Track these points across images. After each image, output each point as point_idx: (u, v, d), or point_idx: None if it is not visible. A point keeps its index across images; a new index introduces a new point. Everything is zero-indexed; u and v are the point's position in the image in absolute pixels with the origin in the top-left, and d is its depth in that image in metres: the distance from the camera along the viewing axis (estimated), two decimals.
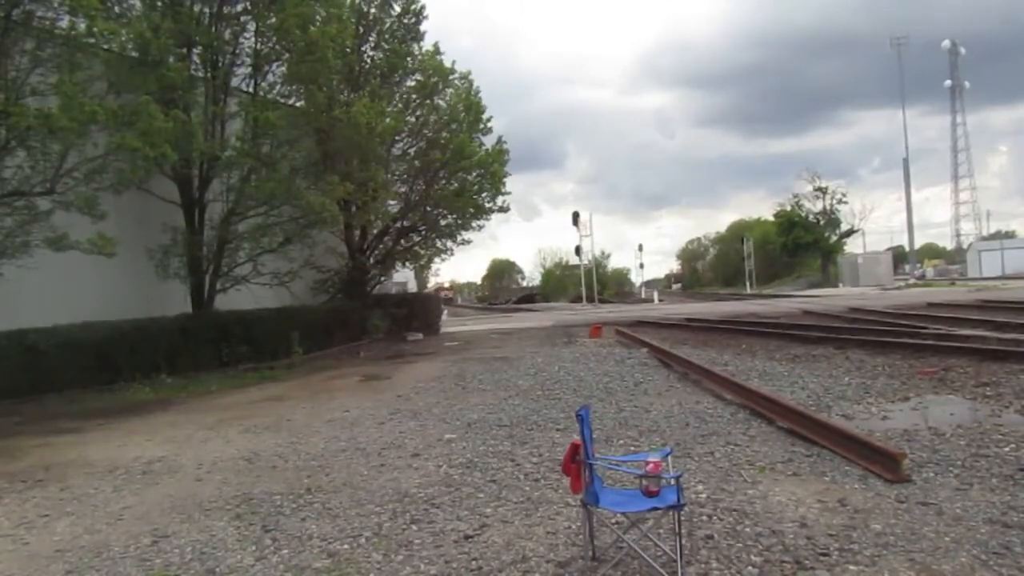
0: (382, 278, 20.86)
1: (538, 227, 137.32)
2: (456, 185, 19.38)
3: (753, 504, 4.15)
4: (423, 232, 20.43)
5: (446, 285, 78.21)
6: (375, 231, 19.64)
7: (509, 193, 20.13)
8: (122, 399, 10.56)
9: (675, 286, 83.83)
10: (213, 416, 8.58)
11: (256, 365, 13.14)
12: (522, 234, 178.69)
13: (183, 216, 13.55)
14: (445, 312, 30.43)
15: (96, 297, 12.51)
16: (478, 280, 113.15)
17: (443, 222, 20.24)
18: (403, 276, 27.16)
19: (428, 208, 19.56)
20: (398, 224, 19.77)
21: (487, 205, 20.06)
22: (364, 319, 17.68)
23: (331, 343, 15.74)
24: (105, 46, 10.02)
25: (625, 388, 8.52)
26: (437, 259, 21.29)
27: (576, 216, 43.51)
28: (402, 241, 20.36)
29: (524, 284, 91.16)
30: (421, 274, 29.90)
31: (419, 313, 20.33)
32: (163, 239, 12.94)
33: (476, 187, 19.48)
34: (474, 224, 20.56)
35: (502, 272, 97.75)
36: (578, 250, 44.93)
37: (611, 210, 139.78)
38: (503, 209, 20.39)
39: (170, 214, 13.31)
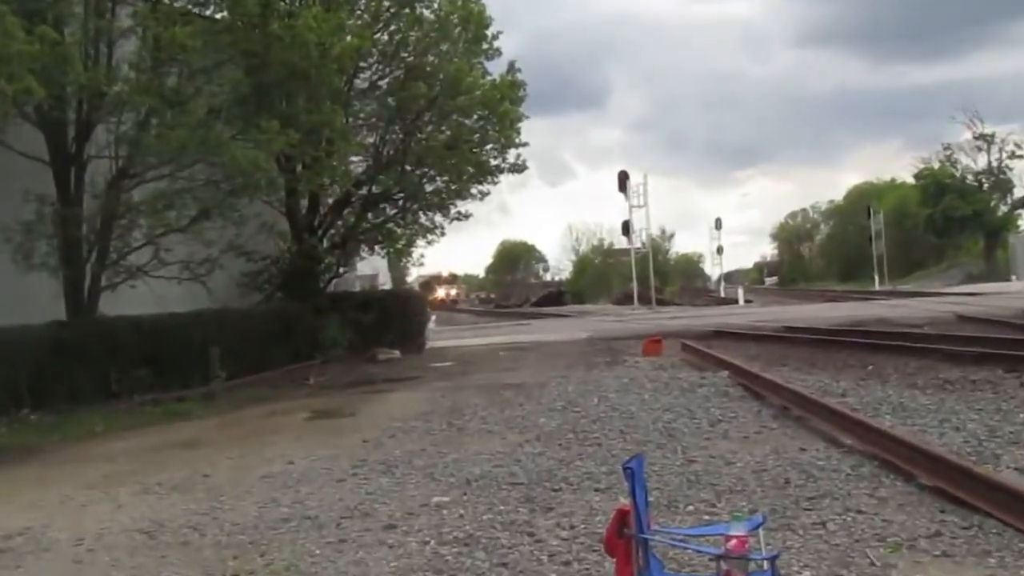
0: (341, 269, 21.04)
1: (568, 194, 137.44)
2: (448, 133, 19.43)
3: None
4: (401, 202, 20.54)
5: (445, 277, 78.92)
6: (330, 201, 19.81)
7: (525, 145, 20.26)
8: None
9: (769, 280, 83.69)
10: (98, 470, 8.68)
11: (160, 396, 13.26)
12: (545, 205, 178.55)
13: (53, 179, 13.63)
14: (433, 319, 30.57)
15: None
16: (480, 271, 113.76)
17: (429, 187, 20.33)
18: (371, 267, 27.27)
19: (407, 167, 19.64)
20: (364, 191, 19.90)
21: (493, 162, 20.13)
22: (315, 329, 17.80)
23: (267, 363, 15.84)
24: None
25: (696, 429, 8.52)
26: (421, 241, 21.44)
27: (624, 178, 43.64)
28: (369, 216, 20.48)
29: (548, 277, 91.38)
30: (398, 264, 30.05)
31: (395, 320, 20.44)
32: (24, 213, 12.88)
33: (478, 136, 19.56)
34: (475, 190, 20.65)
35: (516, 259, 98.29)
36: (627, 228, 45.01)
37: (675, 170, 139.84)
38: (517, 168, 20.49)
39: (34, 176, 13.32)
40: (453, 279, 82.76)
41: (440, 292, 76.37)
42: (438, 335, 26.09)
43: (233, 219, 15.11)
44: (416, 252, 22.39)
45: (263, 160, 14.00)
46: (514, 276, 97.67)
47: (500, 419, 9.78)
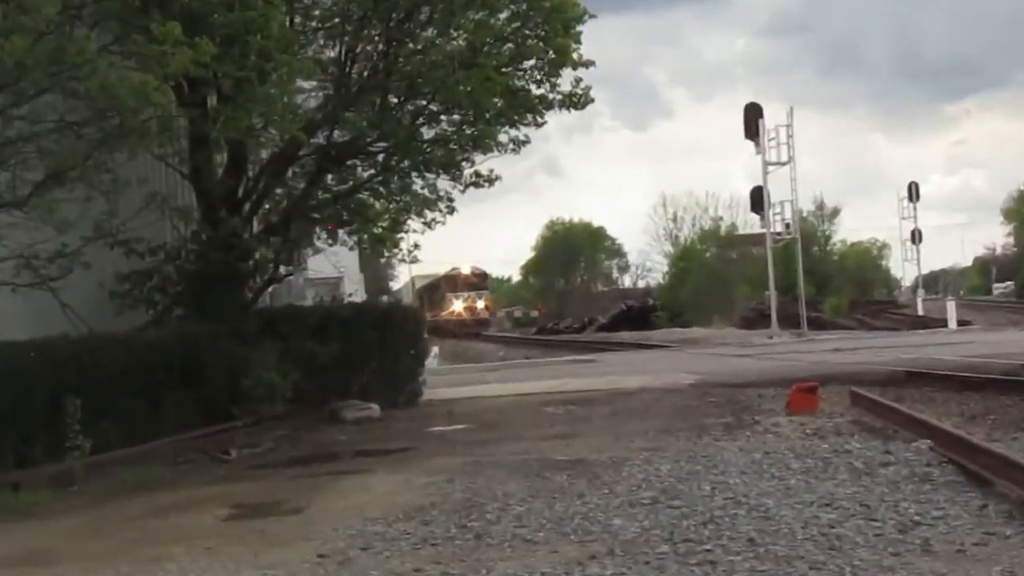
0: (282, 269, 21.44)
1: (660, 144, 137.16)
2: (461, 41, 19.69)
3: None
4: (381, 157, 20.83)
5: (466, 276, 78.51)
6: (265, 156, 20.18)
7: (590, 63, 20.27)
8: None
9: (998, 287, 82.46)
10: None
11: None
12: (621, 161, 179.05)
13: None
14: (435, 352, 30.72)
15: None
16: (513, 272, 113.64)
17: (429, 132, 20.69)
18: (332, 265, 27.36)
19: (392, 98, 19.84)
20: (320, 138, 20.20)
21: (536, 91, 20.25)
22: (238, 368, 17.95)
23: (160, 425, 16.03)
24: None
25: (876, 538, 8.43)
26: (414, 221, 21.94)
27: (754, 117, 43.49)
28: (329, 179, 20.81)
29: (625, 283, 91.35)
30: (375, 260, 30.08)
31: (372, 353, 20.68)
32: None
33: (510, 47, 19.83)
34: (504, 136, 20.98)
35: (573, 252, 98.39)
36: (759, 200, 44.77)
37: (838, 102, 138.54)
38: (576, 100, 20.59)
39: None
40: (480, 281, 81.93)
41: (456, 304, 76.21)
42: (443, 378, 26.06)
43: (103, 186, 15.22)
44: (407, 240, 22.59)
45: (153, 88, 14.07)
46: (570, 280, 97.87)
47: (547, 519, 9.71)
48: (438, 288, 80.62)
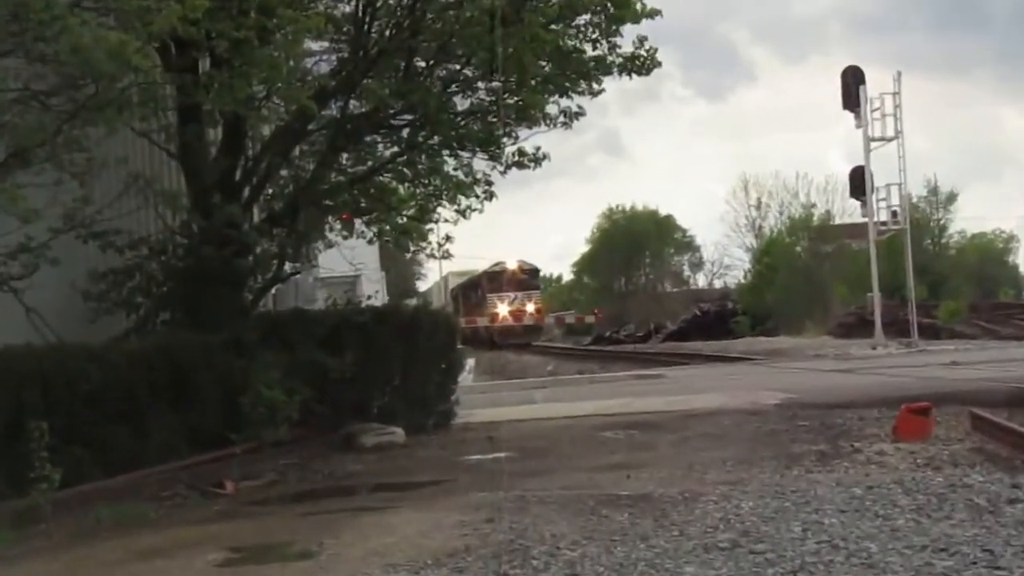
0: (288, 267, 21.47)
1: (739, 116, 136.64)
2: None
3: None
4: (406, 131, 20.85)
5: (512, 271, 77.25)
6: (267, 132, 20.16)
7: (655, 13, 20.17)
8: None
9: None
10: None
11: None
12: (692, 136, 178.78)
13: None
14: (469, 366, 30.71)
15: None
16: (566, 269, 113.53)
17: (463, 102, 20.81)
18: (342, 261, 27.29)
19: (418, 62, 19.86)
20: (333, 109, 20.29)
21: (591, 53, 20.27)
22: (235, 384, 18.01)
23: (142, 453, 16.08)
24: None
25: None
26: (445, 209, 22.06)
27: (853, 82, 43.28)
28: (344, 160, 20.92)
29: (698, 282, 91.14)
30: (400, 256, 30.08)
31: (394, 367, 20.75)
32: None
33: (557, 1, 19.70)
34: (553, 107, 20.94)
35: (636, 245, 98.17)
36: (860, 183, 44.48)
37: (955, 66, 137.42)
38: (638, 63, 20.50)
39: None
40: (530, 278, 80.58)
41: (501, 307, 75.27)
42: (480, 397, 26.03)
43: (75, 168, 15.26)
44: (436, 231, 22.62)
45: (134, 51, 14.07)
46: (632, 279, 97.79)
47: (604, 567, 9.69)
48: (477, 287, 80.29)
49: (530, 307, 76.28)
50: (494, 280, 77.27)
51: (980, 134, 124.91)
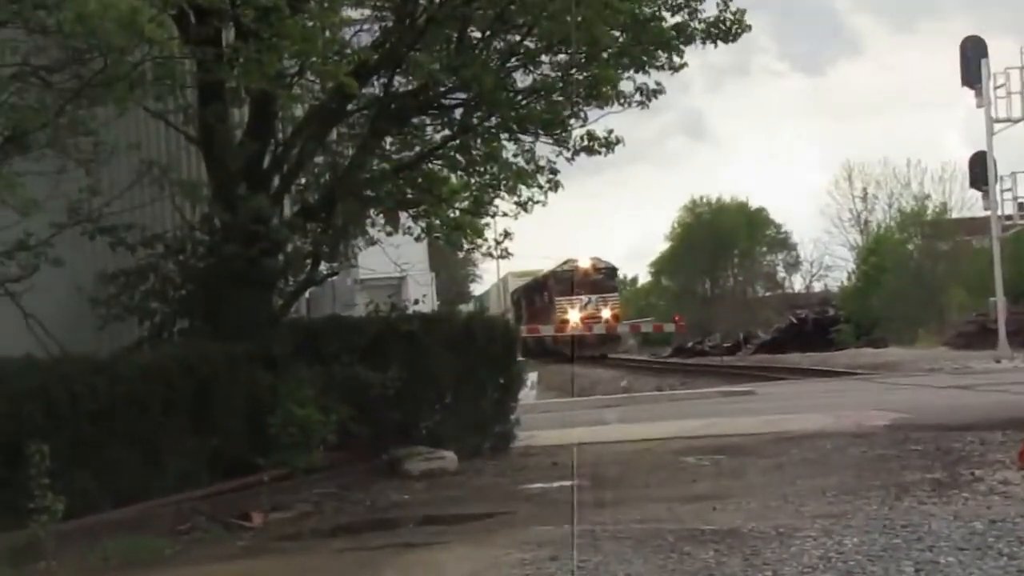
0: (323, 267, 21.62)
1: (843, 91, 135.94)
2: None
3: None
4: (459, 112, 20.89)
5: (586, 270, 75.54)
6: (300, 113, 20.19)
7: None
8: None
9: None
10: None
11: None
12: (789, 119, 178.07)
13: None
14: (531, 381, 30.68)
15: None
16: (641, 271, 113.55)
17: (525, 79, 20.73)
18: (385, 261, 27.29)
19: (476, 34, 20.01)
20: (375, 87, 20.29)
21: (671, 19, 20.29)
22: (263, 402, 18.07)
23: (158, 480, 16.08)
24: None
25: None
26: (504, 201, 22.06)
27: (974, 53, 43.00)
28: (387, 144, 20.88)
29: (794, 286, 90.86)
30: (452, 256, 29.98)
31: (444, 383, 20.77)
32: None
33: None
34: (628, 83, 20.99)
35: (723, 242, 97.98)
36: (981, 171, 44.24)
37: None
38: (724, 30, 20.51)
39: None
40: (606, 279, 79.00)
41: (572, 313, 73.79)
42: (544, 416, 26.00)
43: (81, 153, 15.29)
44: (493, 227, 22.61)
45: (148, 20, 14.08)
46: (719, 282, 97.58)
47: None
48: (543, 290, 79.88)
49: (606, 313, 74.91)
50: (563, 281, 76.21)
51: None
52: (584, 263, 76.60)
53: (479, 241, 23.51)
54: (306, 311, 20.67)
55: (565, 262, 77.17)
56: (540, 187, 21.80)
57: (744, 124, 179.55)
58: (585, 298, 74.37)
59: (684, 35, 20.11)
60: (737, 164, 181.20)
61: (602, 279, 77.28)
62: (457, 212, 21.92)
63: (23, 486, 13.90)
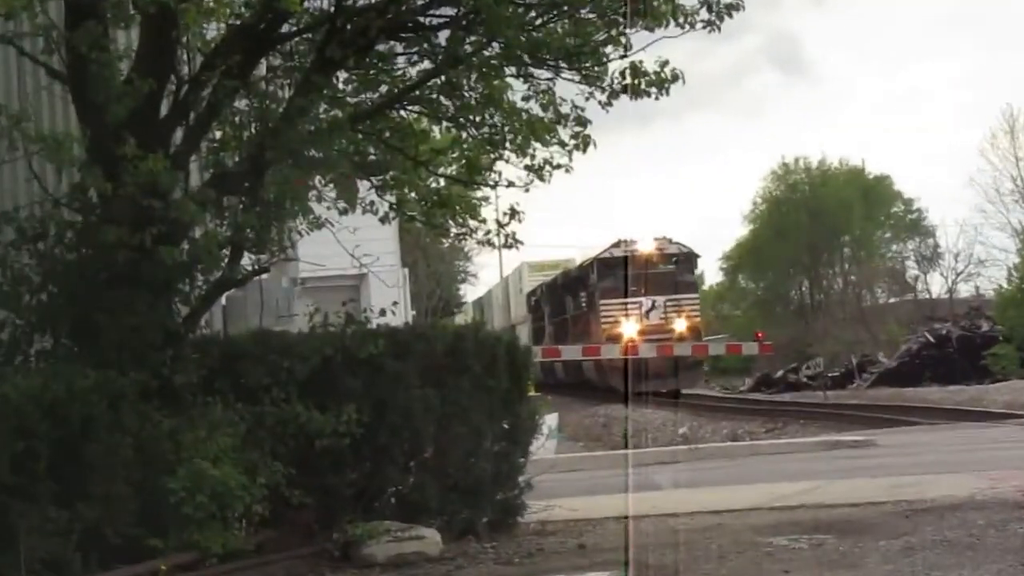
0: (249, 261, 21.53)
1: (995, 6, 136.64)
2: None
3: None
4: (446, 42, 20.87)
5: (655, 255, 69.96)
6: (214, 39, 20.22)
7: None
8: None
9: None
10: None
11: None
12: (919, 48, 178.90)
13: None
14: (550, 424, 30.87)
15: None
16: (710, 266, 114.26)
17: None
18: (337, 251, 27.27)
19: None
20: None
21: None
22: (159, 456, 18.01)
23: (10, 568, 16.13)
24: None
25: None
26: (512, 164, 21.91)
27: None
28: (340, 85, 21.06)
29: (928, 290, 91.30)
30: (435, 247, 29.84)
31: (422, 428, 20.74)
32: None
33: None
34: (695, 1, 20.67)
35: (827, 224, 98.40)
36: None
37: None
38: None
39: None
40: (681, 269, 73.72)
41: (627, 324, 66.99)
42: (569, 477, 26.00)
43: None
44: (495, 203, 22.41)
45: None
46: (819, 280, 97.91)
47: None
48: (580, 287, 77.47)
49: (680, 324, 71.71)
50: (612, 273, 71.68)
51: None
52: (645, 246, 72.75)
53: (473, 223, 23.32)
54: (222, 325, 20.50)
55: (615, 243, 73.18)
56: (562, 145, 21.51)
57: (857, 53, 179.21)
58: (648, 300, 70.26)
59: None
60: (848, 111, 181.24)
61: (674, 270, 72.77)
62: (441, 181, 21.79)
63: None
